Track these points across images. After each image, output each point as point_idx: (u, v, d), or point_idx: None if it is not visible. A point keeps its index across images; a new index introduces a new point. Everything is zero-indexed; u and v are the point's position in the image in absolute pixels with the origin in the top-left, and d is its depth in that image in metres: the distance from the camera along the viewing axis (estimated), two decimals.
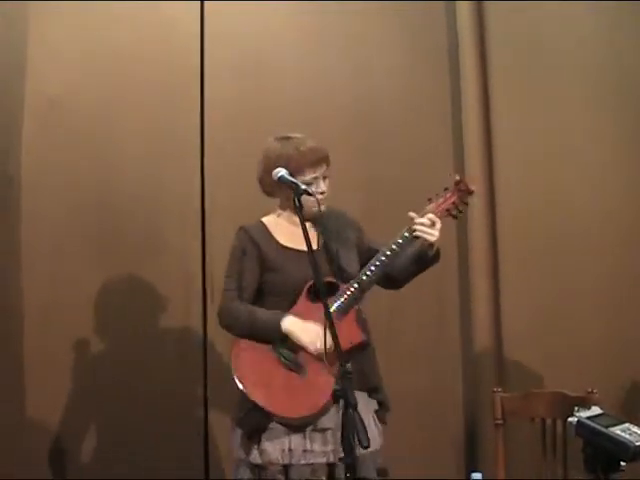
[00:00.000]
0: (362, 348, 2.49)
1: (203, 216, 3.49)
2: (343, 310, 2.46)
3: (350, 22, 3.66)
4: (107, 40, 3.51)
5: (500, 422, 2.96)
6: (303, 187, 2.34)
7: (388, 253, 2.49)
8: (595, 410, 1.98)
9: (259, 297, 2.55)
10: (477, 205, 3.57)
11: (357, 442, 2.03)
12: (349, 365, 2.10)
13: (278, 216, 2.61)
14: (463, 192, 2.59)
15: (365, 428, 2.03)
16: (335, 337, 2.18)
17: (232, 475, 2.58)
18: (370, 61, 3.67)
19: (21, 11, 3.45)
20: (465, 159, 3.63)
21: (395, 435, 3.42)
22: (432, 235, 2.51)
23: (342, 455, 2.32)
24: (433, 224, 2.50)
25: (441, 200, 2.58)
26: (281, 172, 2.42)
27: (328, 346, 2.31)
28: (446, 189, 2.59)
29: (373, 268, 2.48)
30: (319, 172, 2.51)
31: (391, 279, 2.65)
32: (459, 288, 3.63)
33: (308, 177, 2.48)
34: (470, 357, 3.59)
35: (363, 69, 3.66)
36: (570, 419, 1.96)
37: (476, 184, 2.62)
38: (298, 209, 2.31)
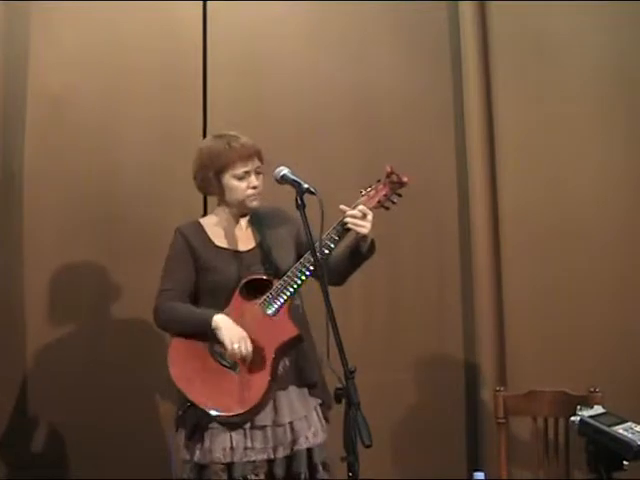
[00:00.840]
0: (296, 343, 2.49)
1: (205, 210, 3.49)
2: (276, 306, 2.46)
3: (352, 22, 3.66)
4: (110, 38, 3.52)
5: (502, 421, 2.96)
6: (305, 186, 2.34)
7: (319, 246, 2.44)
8: (598, 409, 1.98)
9: (196, 298, 2.58)
10: (479, 200, 3.57)
11: (360, 440, 2.02)
12: (351, 365, 2.09)
13: (215, 215, 2.65)
14: (395, 184, 2.58)
15: (367, 426, 2.02)
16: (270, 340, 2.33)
17: None
18: (372, 61, 3.67)
19: (24, 9, 3.46)
20: (467, 158, 3.62)
21: (396, 434, 3.44)
22: (364, 227, 2.47)
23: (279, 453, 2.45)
24: (364, 216, 2.47)
25: (372, 192, 2.57)
26: (283, 171, 2.44)
27: (247, 351, 2.39)
28: (378, 181, 2.59)
29: (307, 264, 2.46)
30: (250, 166, 2.53)
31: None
32: (461, 285, 3.62)
33: (239, 171, 2.52)
34: (472, 356, 3.58)
35: (365, 69, 3.66)
36: (573, 418, 1.96)
37: (409, 176, 2.58)
38: (300, 207, 2.32)
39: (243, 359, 2.41)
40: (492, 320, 3.54)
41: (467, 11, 3.62)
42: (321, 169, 3.37)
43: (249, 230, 2.63)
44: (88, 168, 3.47)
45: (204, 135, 3.51)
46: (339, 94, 3.63)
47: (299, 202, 2.34)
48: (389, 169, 2.58)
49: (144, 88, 3.51)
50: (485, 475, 2.27)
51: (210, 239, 2.59)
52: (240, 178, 2.53)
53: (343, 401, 2.09)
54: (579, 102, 3.59)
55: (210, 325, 2.43)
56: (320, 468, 2.52)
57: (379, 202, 2.56)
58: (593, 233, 3.54)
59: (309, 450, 2.51)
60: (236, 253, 2.56)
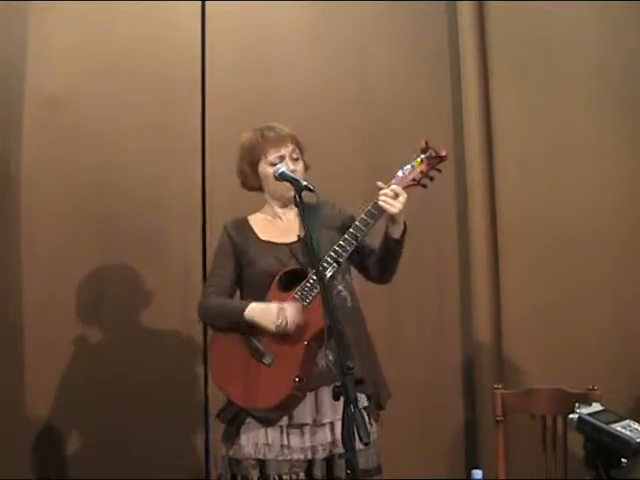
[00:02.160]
0: (326, 336, 2.37)
1: (204, 213, 3.50)
2: (310, 297, 2.40)
3: (351, 21, 3.66)
4: (108, 38, 3.51)
5: (500, 419, 2.96)
6: (304, 183, 2.34)
7: (351, 231, 2.41)
8: (596, 406, 1.98)
9: (242, 292, 2.58)
10: (478, 202, 3.58)
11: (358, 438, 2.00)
12: (350, 362, 2.07)
13: (262, 211, 2.63)
14: (432, 159, 2.44)
15: (365, 424, 2.00)
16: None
17: None
18: (370, 61, 3.67)
19: (21, 9, 3.45)
20: (466, 159, 3.62)
21: (395, 432, 3.43)
22: (393, 206, 2.37)
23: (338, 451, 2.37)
24: (396, 195, 2.38)
25: (408, 169, 2.46)
26: (282, 168, 2.44)
27: (292, 320, 2.34)
28: (417, 156, 2.47)
29: (337, 248, 2.40)
30: (284, 151, 2.50)
31: (369, 271, 2.58)
32: (459, 284, 3.63)
33: (272, 157, 2.49)
34: (470, 353, 3.59)
35: (363, 69, 3.66)
36: (571, 416, 1.95)
37: (446, 150, 2.45)
38: (299, 204, 2.32)
39: (291, 328, 2.35)
40: (490, 318, 3.55)
41: (466, 11, 3.63)
42: (321, 169, 3.35)
43: (296, 222, 2.55)
44: (85, 170, 3.47)
45: (202, 137, 3.52)
46: (338, 94, 3.63)
47: (297, 199, 2.33)
48: (424, 144, 2.45)
49: (142, 90, 3.51)
50: (483, 473, 2.27)
51: (255, 233, 2.56)
52: (275, 165, 2.48)
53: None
54: (578, 102, 3.60)
55: (244, 316, 2.41)
56: (367, 475, 2.42)
57: (414, 180, 2.44)
58: (592, 233, 3.55)
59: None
60: (279, 245, 2.52)
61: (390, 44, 3.68)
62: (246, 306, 2.43)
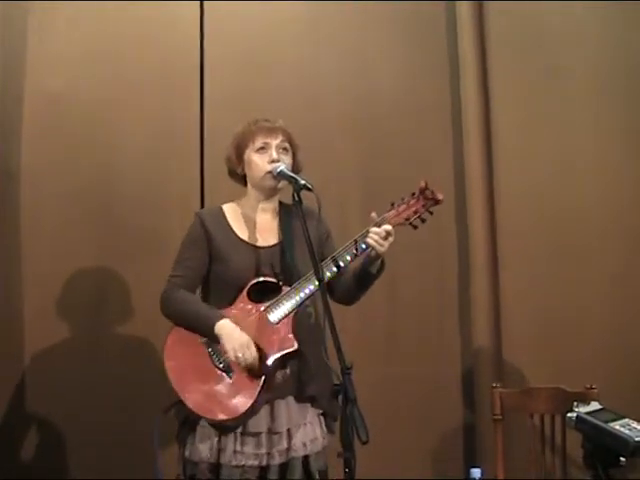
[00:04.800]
0: (294, 356, 2.38)
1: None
2: (279, 315, 2.37)
3: (350, 21, 3.66)
4: (106, 38, 3.51)
5: (499, 418, 2.96)
6: (302, 182, 2.31)
7: (338, 257, 2.38)
8: (594, 405, 1.98)
9: (206, 285, 2.52)
10: (478, 203, 3.58)
11: (357, 437, 2.01)
12: (349, 362, 2.07)
13: (240, 203, 2.56)
14: (429, 200, 2.43)
15: (364, 422, 2.00)
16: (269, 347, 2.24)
17: None
18: (370, 61, 3.67)
19: (21, 9, 3.45)
20: (465, 159, 3.62)
21: (394, 431, 3.44)
22: (382, 246, 2.35)
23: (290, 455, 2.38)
24: (387, 236, 2.36)
25: (403, 207, 2.43)
26: (280, 167, 2.41)
27: (251, 359, 2.31)
28: (413, 194, 2.45)
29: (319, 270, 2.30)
30: (272, 140, 2.45)
31: (334, 291, 2.53)
32: (458, 283, 3.63)
33: (259, 143, 2.46)
34: (469, 352, 3.58)
35: (363, 69, 3.66)
36: (569, 414, 1.95)
37: (444, 194, 2.46)
38: (297, 204, 2.30)
39: (244, 367, 2.34)
40: (489, 317, 3.54)
41: (465, 11, 3.63)
42: (319, 168, 3.36)
43: (275, 224, 2.52)
44: (85, 168, 3.47)
45: (201, 134, 3.51)
46: (336, 92, 3.63)
47: (296, 198, 2.31)
48: (424, 184, 2.43)
49: (141, 90, 3.51)
50: (482, 471, 2.27)
51: (230, 227, 2.50)
52: (259, 150, 2.45)
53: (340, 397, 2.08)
54: (576, 99, 3.60)
55: (213, 330, 2.36)
56: (316, 477, 2.43)
57: (407, 219, 2.42)
58: (591, 234, 3.55)
59: (305, 457, 2.42)
60: (254, 248, 2.46)
61: (389, 44, 3.68)
62: (217, 320, 2.36)
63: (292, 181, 2.35)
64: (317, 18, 3.65)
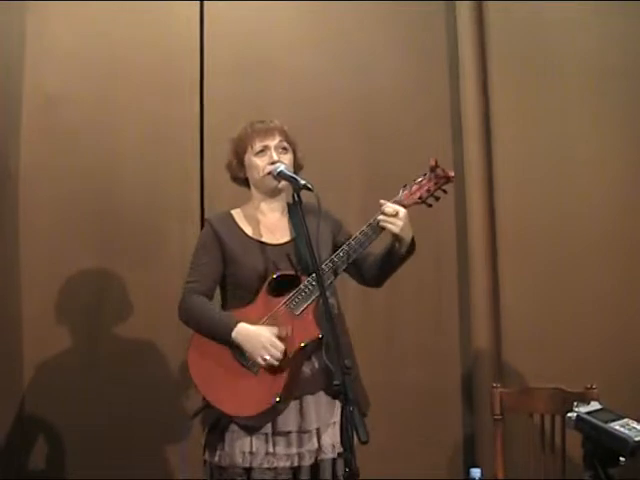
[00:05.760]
0: (320, 345, 2.37)
1: (202, 212, 3.49)
2: (302, 306, 2.38)
3: (349, 21, 3.66)
4: (106, 37, 3.51)
5: (499, 417, 2.97)
6: (302, 182, 2.32)
7: (352, 243, 2.39)
8: (594, 405, 1.97)
9: (224, 289, 2.53)
10: (477, 203, 3.58)
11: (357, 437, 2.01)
12: (347, 361, 2.08)
13: (248, 206, 2.58)
14: (440, 178, 2.43)
15: (364, 422, 2.00)
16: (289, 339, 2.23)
17: None
18: (369, 61, 3.67)
19: (20, 9, 3.45)
20: (464, 158, 3.62)
21: (394, 430, 3.44)
22: (395, 225, 2.35)
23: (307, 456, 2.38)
24: (396, 214, 2.36)
25: (415, 187, 2.43)
26: (280, 167, 2.42)
27: (276, 356, 2.31)
28: (424, 174, 2.45)
29: (336, 259, 2.38)
30: (270, 142, 2.46)
31: (363, 274, 2.56)
32: (458, 282, 3.63)
33: (257, 146, 2.47)
34: (469, 352, 3.59)
35: (362, 69, 3.66)
36: (569, 414, 1.95)
37: (453, 171, 2.46)
38: (298, 204, 2.31)
39: (272, 364, 2.34)
40: (488, 316, 3.55)
41: (465, 11, 3.63)
42: (319, 168, 3.36)
43: (284, 222, 2.53)
44: (84, 167, 3.47)
45: (201, 135, 3.52)
46: (337, 94, 3.64)
47: (296, 198, 2.32)
48: (433, 162, 2.42)
49: (141, 88, 3.51)
50: (481, 472, 2.27)
51: (241, 229, 2.51)
52: (258, 153, 2.46)
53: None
54: (576, 99, 3.60)
55: (231, 338, 2.36)
56: None
57: (420, 198, 2.42)
58: (589, 234, 3.55)
59: (334, 460, 2.42)
60: (267, 246, 2.47)
61: (389, 44, 3.68)
62: (234, 326, 2.36)
63: (292, 181, 2.36)
64: (317, 18, 3.66)
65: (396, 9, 3.65)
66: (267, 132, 2.48)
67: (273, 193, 2.51)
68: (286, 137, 2.51)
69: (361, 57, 3.66)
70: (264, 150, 2.47)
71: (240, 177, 2.55)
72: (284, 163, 2.44)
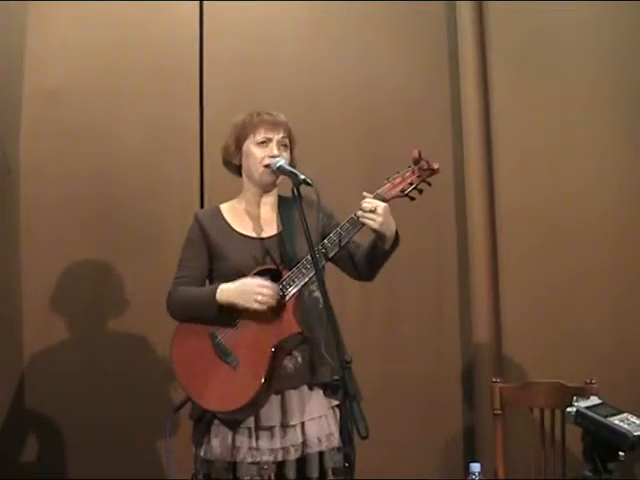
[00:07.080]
0: (300, 340, 2.36)
1: (202, 207, 3.49)
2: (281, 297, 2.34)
3: (349, 20, 3.67)
4: (106, 33, 3.52)
5: (499, 412, 2.97)
6: (302, 177, 2.30)
7: (332, 237, 2.37)
8: (594, 400, 1.97)
9: (211, 283, 2.50)
10: (477, 198, 3.58)
11: (356, 432, 2.00)
12: (347, 355, 2.06)
13: (237, 200, 2.57)
14: (424, 171, 2.38)
15: (364, 417, 2.00)
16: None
17: None
18: (370, 59, 3.68)
19: (20, 4, 3.45)
20: (465, 157, 3.63)
21: (393, 425, 3.45)
22: (373, 220, 2.31)
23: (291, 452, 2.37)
24: (374, 209, 2.32)
25: (398, 179, 2.40)
26: (280, 162, 2.41)
27: (271, 293, 2.29)
28: (409, 167, 2.41)
29: (316, 254, 2.30)
30: (274, 135, 2.45)
31: (354, 268, 2.53)
32: (458, 278, 3.64)
33: (260, 136, 2.45)
34: (469, 347, 3.59)
35: (363, 67, 3.66)
36: (569, 409, 1.95)
37: (439, 163, 2.39)
38: (297, 199, 2.29)
39: (269, 303, 2.31)
40: (489, 312, 3.55)
41: (465, 10, 3.63)
42: (319, 166, 3.35)
43: (274, 215, 2.52)
44: (85, 164, 3.48)
45: (200, 132, 3.53)
46: (337, 92, 3.64)
47: (295, 193, 2.30)
48: (416, 154, 2.38)
49: (140, 85, 3.52)
50: (481, 466, 2.27)
51: (228, 224, 2.50)
52: (260, 144, 2.45)
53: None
54: (576, 98, 3.61)
55: (216, 300, 2.35)
56: (330, 474, 2.39)
57: (402, 191, 2.38)
58: (589, 229, 3.57)
59: (321, 454, 2.40)
60: (253, 240, 2.47)
61: (390, 43, 3.68)
62: (216, 288, 2.36)
63: (292, 176, 2.34)
64: (317, 17, 3.66)
65: (396, 9, 3.65)
66: (273, 125, 2.46)
67: (268, 188, 2.51)
68: (289, 135, 2.50)
69: (362, 55, 3.67)
70: (266, 142, 2.45)
71: (233, 163, 2.53)
72: (284, 158, 2.44)
